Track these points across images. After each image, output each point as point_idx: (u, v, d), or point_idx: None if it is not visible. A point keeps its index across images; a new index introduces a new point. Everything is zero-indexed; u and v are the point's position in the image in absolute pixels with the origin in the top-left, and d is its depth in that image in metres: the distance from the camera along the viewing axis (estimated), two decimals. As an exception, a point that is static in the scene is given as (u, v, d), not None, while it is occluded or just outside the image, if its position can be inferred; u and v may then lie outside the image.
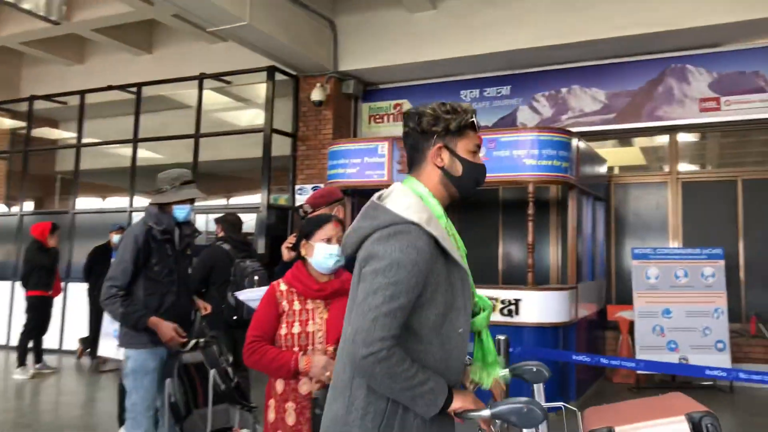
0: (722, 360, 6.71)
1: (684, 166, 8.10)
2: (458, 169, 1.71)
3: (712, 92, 7.39)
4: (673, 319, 6.97)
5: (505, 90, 8.50)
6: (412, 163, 1.75)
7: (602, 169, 7.91)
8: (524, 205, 6.31)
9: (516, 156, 6.16)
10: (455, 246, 1.69)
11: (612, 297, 8.06)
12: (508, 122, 8.38)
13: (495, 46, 7.77)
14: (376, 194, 1.72)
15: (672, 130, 7.85)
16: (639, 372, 6.94)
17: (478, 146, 1.76)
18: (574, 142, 6.39)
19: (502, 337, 4.08)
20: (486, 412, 1.58)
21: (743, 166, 8.02)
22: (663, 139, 8.13)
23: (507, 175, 6.21)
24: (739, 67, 7.28)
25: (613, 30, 7.18)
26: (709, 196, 7.71)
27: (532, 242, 6.12)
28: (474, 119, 1.74)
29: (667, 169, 8.04)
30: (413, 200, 1.65)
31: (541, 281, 7.57)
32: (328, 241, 2.56)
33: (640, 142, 8.73)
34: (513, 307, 5.86)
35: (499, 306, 5.88)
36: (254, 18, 7.12)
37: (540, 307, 5.89)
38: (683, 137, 8.08)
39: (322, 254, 2.54)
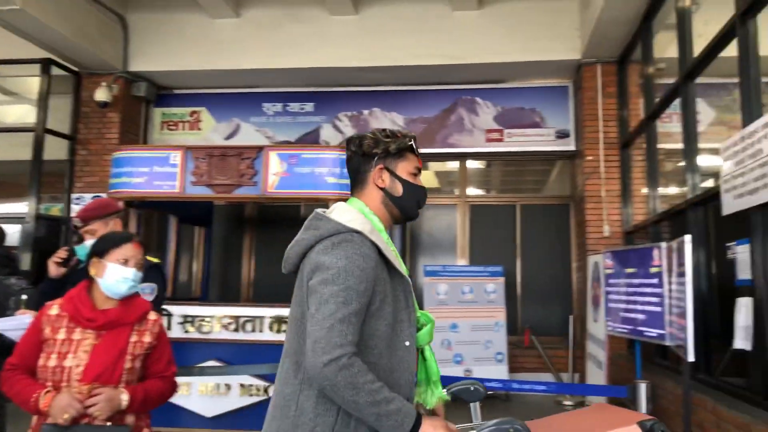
0: (501, 371, 7.23)
1: (472, 191, 8.71)
2: (399, 190, 1.78)
3: (496, 124, 8.05)
4: (460, 333, 7.38)
5: (309, 107, 8.45)
6: (354, 185, 1.81)
7: (399, 190, 8.17)
8: (324, 222, 6.24)
9: (318, 173, 6.08)
10: (397, 260, 1.71)
11: (406, 314, 8.32)
12: (312, 139, 8.33)
13: (299, 61, 7.69)
14: (319, 210, 1.74)
15: (462, 157, 8.40)
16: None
17: (419, 169, 1.84)
18: (374, 162, 6.50)
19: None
20: None
21: (521, 193, 8.84)
22: (454, 165, 8.67)
23: (308, 192, 6.10)
24: (520, 103, 8.03)
25: (412, 58, 7.50)
26: (493, 219, 8.36)
27: (332, 260, 6.05)
28: (413, 143, 1.81)
29: (457, 192, 8.58)
30: (356, 214, 1.69)
31: (339, 299, 7.56)
32: (125, 262, 2.27)
33: (434, 166, 9.22)
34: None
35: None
36: (28, 3, 6.21)
37: (337, 325, 5.83)
38: (472, 164, 8.70)
39: (115, 277, 2.25)
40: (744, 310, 3.92)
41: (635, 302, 4.55)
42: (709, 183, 9.47)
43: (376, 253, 1.62)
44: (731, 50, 4.32)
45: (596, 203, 7.05)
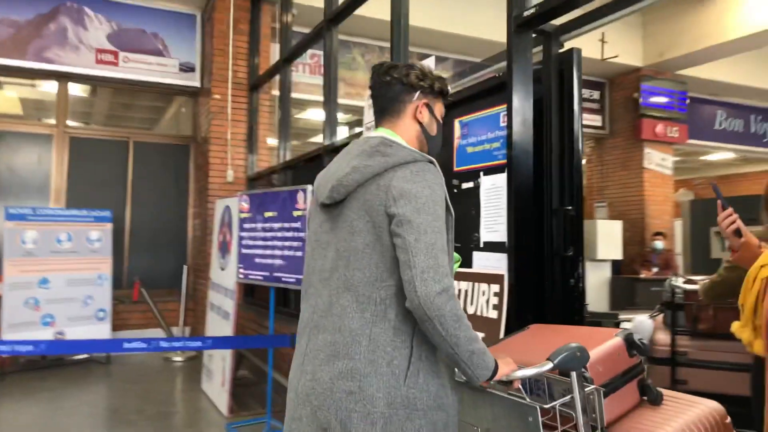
0: (103, 329, 6.32)
1: (74, 120, 7.30)
2: (434, 129, 1.74)
3: (110, 45, 6.85)
4: (52, 290, 6.15)
5: None
6: (386, 114, 1.71)
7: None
8: None
9: None
10: None
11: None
12: None
13: None
14: (383, 135, 1.66)
15: (63, 77, 6.92)
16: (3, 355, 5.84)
17: (443, 116, 1.80)
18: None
19: None
20: (549, 365, 1.55)
21: (134, 128, 7.82)
22: (51, 86, 7.11)
23: None
24: (141, 24, 6.99)
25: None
26: (100, 155, 7.16)
27: None
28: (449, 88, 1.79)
29: (53, 120, 7.07)
30: (407, 145, 1.66)
31: None
32: None
33: (20, 89, 7.44)
34: None
35: None
36: None
37: None
38: (75, 88, 7.26)
39: None
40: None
41: (273, 248, 4.33)
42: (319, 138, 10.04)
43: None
44: (368, 11, 4.44)
45: (221, 146, 6.64)
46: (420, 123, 1.71)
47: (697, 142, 9.61)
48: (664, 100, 8.67)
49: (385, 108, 1.71)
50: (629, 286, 7.49)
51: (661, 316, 4.02)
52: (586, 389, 1.61)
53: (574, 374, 1.58)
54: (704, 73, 8.61)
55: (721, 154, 11.84)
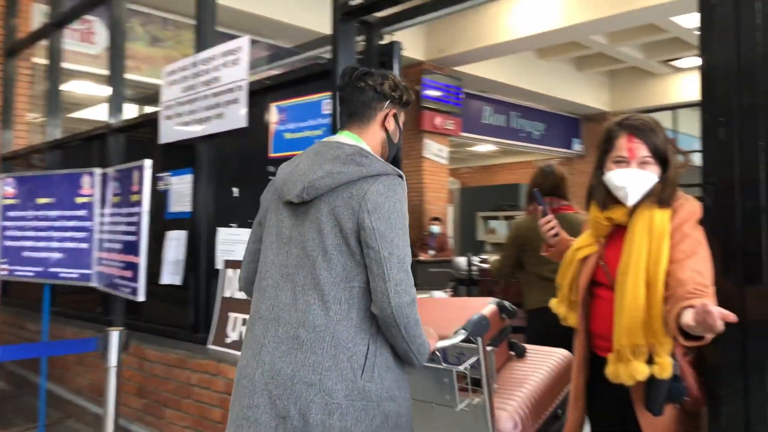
0: None
1: None
2: (397, 137, 1.85)
3: None
4: None
5: None
6: (355, 119, 1.79)
7: None
8: None
9: None
10: None
11: None
12: None
13: None
14: (358, 145, 1.73)
15: None
16: None
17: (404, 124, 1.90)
18: None
19: None
20: (464, 335, 1.77)
21: None
22: None
23: None
24: None
25: None
26: None
27: None
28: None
29: None
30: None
31: None
32: None
33: None
34: None
35: None
36: None
37: None
38: None
39: None
40: (175, 244, 3.78)
41: (50, 239, 3.76)
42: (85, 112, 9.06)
43: None
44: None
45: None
46: (386, 130, 1.80)
47: (467, 135, 10.55)
48: (441, 94, 9.34)
49: (355, 113, 1.79)
50: (411, 268, 7.98)
51: (451, 292, 4.37)
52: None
53: (480, 340, 1.79)
54: (477, 70, 9.45)
55: (486, 146, 13.17)
